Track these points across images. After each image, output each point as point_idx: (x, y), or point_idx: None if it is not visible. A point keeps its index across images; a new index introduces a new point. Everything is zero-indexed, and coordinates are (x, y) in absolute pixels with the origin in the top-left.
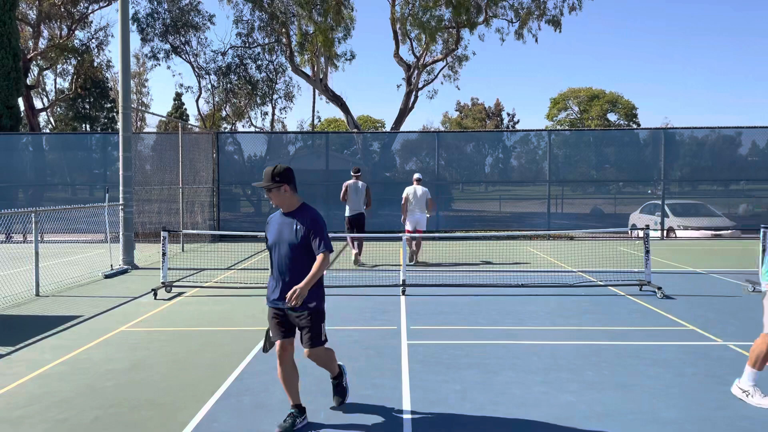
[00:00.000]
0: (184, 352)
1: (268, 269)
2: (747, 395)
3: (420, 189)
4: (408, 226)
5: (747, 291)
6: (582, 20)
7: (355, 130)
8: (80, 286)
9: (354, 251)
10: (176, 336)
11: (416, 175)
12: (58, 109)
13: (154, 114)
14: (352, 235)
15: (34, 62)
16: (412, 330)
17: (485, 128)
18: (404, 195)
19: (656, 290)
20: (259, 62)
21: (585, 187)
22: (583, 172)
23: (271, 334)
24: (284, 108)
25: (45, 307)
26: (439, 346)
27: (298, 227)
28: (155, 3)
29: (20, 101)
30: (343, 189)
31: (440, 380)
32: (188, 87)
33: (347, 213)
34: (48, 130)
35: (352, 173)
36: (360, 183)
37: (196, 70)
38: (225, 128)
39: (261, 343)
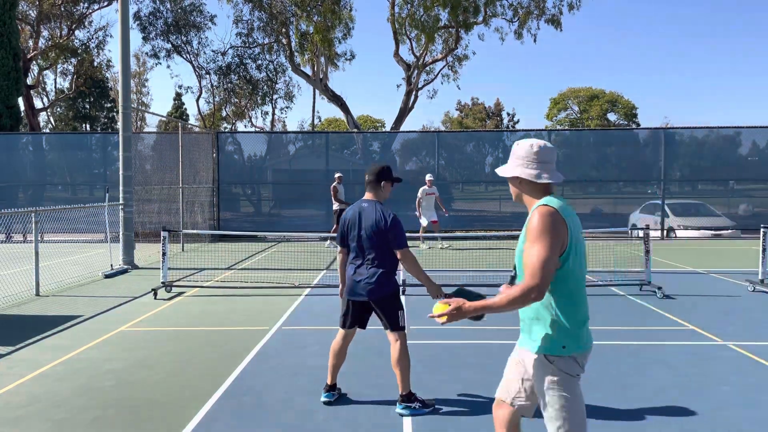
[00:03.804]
0: (184, 352)
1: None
2: None
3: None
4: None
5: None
6: (582, 20)
7: (355, 130)
8: (80, 286)
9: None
10: (176, 336)
11: (428, 176)
12: (58, 108)
13: (154, 114)
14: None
15: (34, 62)
16: (412, 330)
17: (485, 128)
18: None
19: (656, 290)
20: (259, 62)
21: (585, 187)
22: (583, 172)
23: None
24: (284, 108)
25: (45, 307)
26: (439, 346)
27: None
28: (157, 2)
29: (20, 101)
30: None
31: (440, 380)
32: (188, 87)
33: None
34: (48, 130)
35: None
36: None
37: (197, 69)
38: (225, 128)
39: (264, 340)
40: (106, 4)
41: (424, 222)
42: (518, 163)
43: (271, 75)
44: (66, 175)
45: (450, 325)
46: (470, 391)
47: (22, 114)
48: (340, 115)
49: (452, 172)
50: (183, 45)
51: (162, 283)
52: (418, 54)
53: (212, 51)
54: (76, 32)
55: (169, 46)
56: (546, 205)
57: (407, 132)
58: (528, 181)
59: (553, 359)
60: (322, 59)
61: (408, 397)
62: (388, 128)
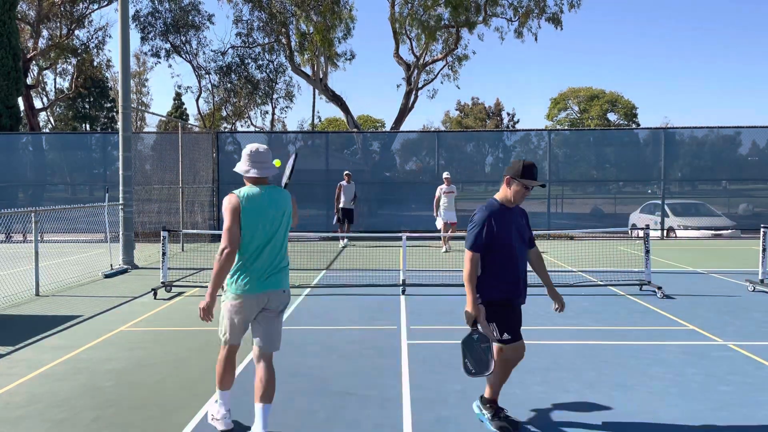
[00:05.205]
0: (184, 352)
1: None
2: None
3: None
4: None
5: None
6: (582, 20)
7: (355, 130)
8: (80, 286)
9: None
10: (176, 336)
11: (445, 174)
12: (58, 108)
13: (154, 114)
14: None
15: (34, 62)
16: (412, 330)
17: (485, 128)
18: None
19: (656, 290)
20: (259, 62)
21: (585, 186)
22: (583, 171)
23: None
24: (285, 108)
25: (45, 307)
26: (439, 346)
27: (525, 223)
28: (156, 2)
29: (20, 101)
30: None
31: (440, 380)
32: (188, 87)
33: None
34: (48, 130)
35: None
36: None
37: (196, 69)
38: (225, 128)
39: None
40: (105, 3)
41: (439, 223)
42: (242, 161)
43: (271, 75)
44: (66, 175)
45: (449, 325)
46: (470, 391)
47: (22, 114)
48: (340, 115)
49: (452, 172)
50: (182, 45)
51: (162, 283)
52: (418, 54)
53: (212, 51)
54: (76, 32)
55: (168, 46)
56: (232, 192)
57: (407, 132)
58: (244, 174)
59: (225, 290)
60: (322, 59)
61: (486, 401)
62: (388, 128)
